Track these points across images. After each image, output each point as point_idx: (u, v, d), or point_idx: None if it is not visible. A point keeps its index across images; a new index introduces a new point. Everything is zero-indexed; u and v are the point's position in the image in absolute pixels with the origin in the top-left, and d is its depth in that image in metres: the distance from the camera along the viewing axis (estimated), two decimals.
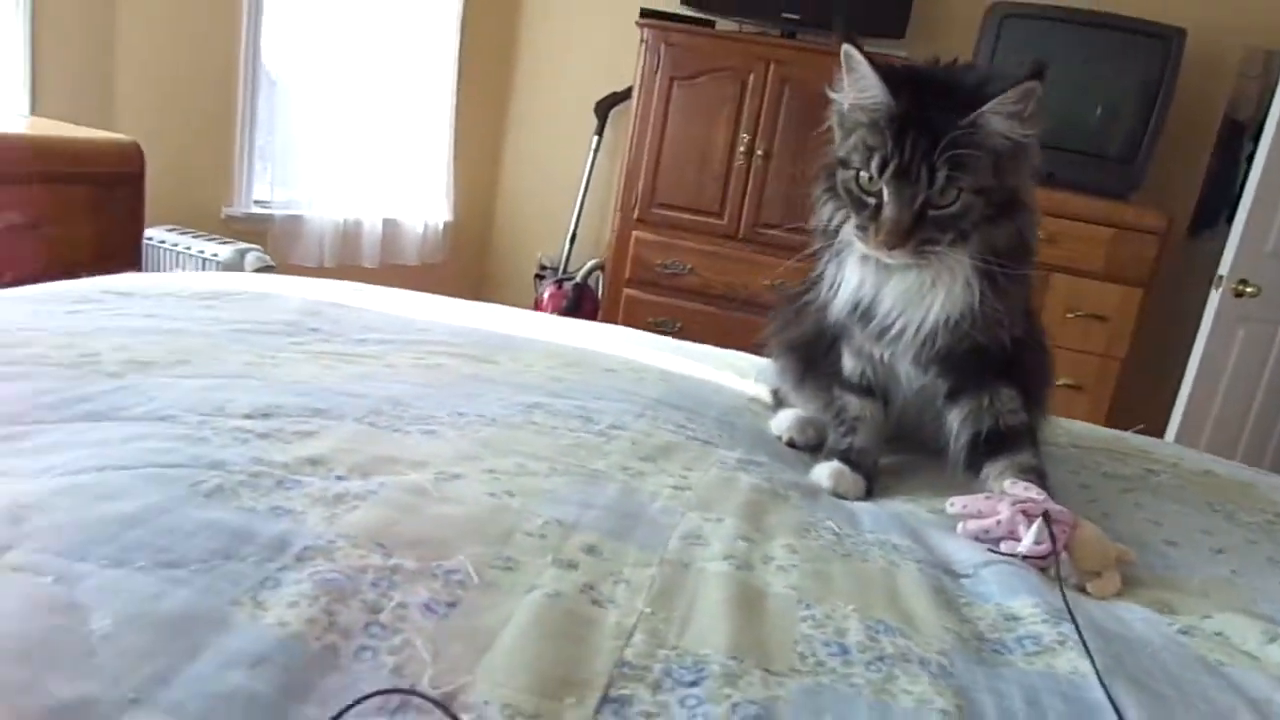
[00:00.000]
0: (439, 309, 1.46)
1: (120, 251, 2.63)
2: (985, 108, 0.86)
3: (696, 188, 3.64)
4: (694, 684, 0.55)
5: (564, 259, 4.12)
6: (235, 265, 2.94)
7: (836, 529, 0.82)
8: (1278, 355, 3.07)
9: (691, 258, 3.64)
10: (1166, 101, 3.08)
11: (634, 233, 3.68)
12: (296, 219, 3.55)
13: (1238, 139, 3.26)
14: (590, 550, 0.68)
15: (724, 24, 3.57)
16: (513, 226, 4.39)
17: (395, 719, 0.48)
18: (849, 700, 0.56)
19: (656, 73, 3.53)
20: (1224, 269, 2.86)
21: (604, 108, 4.02)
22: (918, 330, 0.96)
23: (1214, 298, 2.88)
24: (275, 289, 1.36)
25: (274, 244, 3.40)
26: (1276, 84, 2.78)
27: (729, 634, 0.61)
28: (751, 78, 3.46)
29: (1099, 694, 0.60)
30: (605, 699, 0.53)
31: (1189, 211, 3.40)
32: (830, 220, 1.01)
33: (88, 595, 0.50)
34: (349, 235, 3.68)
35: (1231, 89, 3.29)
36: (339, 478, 0.70)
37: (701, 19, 3.55)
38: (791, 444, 1.14)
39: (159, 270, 2.98)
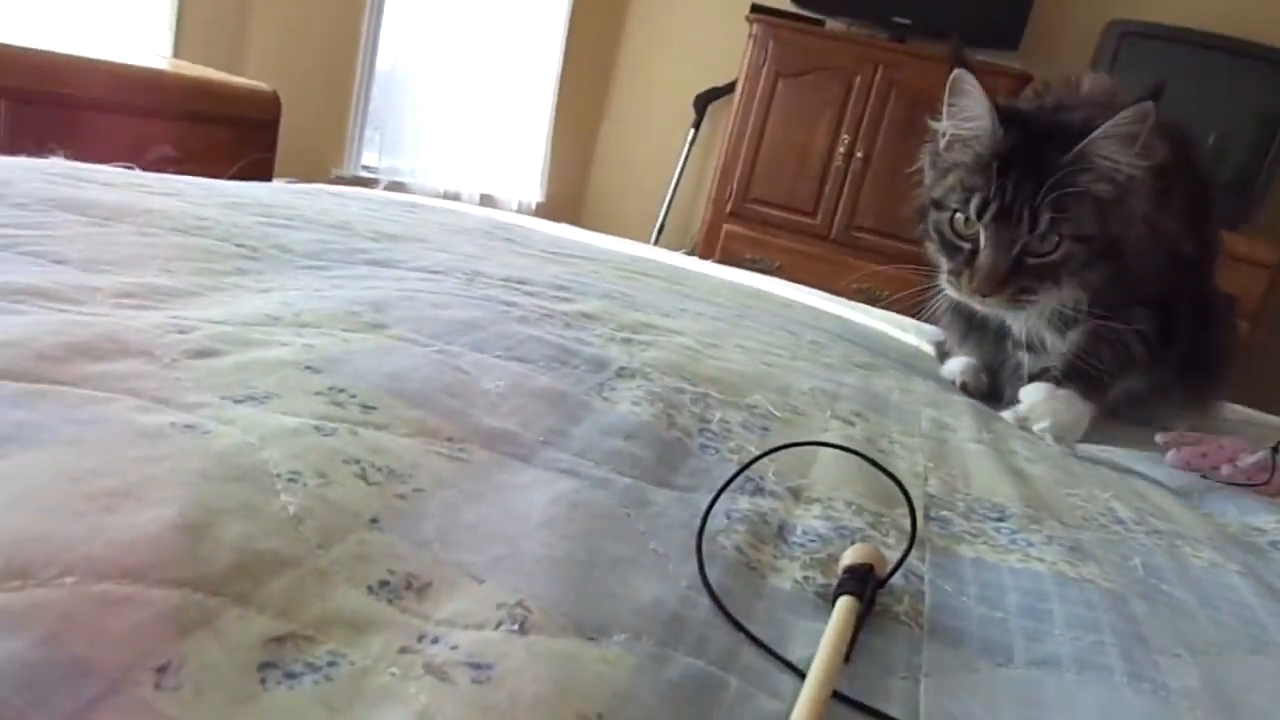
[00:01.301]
0: (604, 240, 1.50)
1: (247, 163, 2.74)
2: (1095, 133, 0.80)
3: (792, 186, 3.65)
4: (1000, 519, 0.58)
5: (652, 245, 4.17)
6: None
7: (1054, 445, 0.84)
8: None
9: (781, 255, 3.65)
10: None
11: (725, 226, 3.71)
12: (400, 186, 3.64)
13: None
14: (858, 414, 0.71)
15: (834, 24, 3.59)
16: (602, 212, 4.44)
17: (756, 501, 0.51)
18: (1148, 551, 0.58)
19: (763, 68, 3.56)
20: None
21: (703, 101, 4.06)
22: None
23: None
24: (456, 207, 1.42)
25: None
26: None
27: (1014, 492, 0.64)
28: (858, 79, 3.47)
29: None
30: (928, 516, 0.56)
31: None
32: (931, 260, 0.96)
33: (468, 365, 0.54)
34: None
35: None
36: (617, 329, 0.75)
37: (812, 17, 3.58)
38: (964, 388, 1.16)
39: None
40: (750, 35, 3.55)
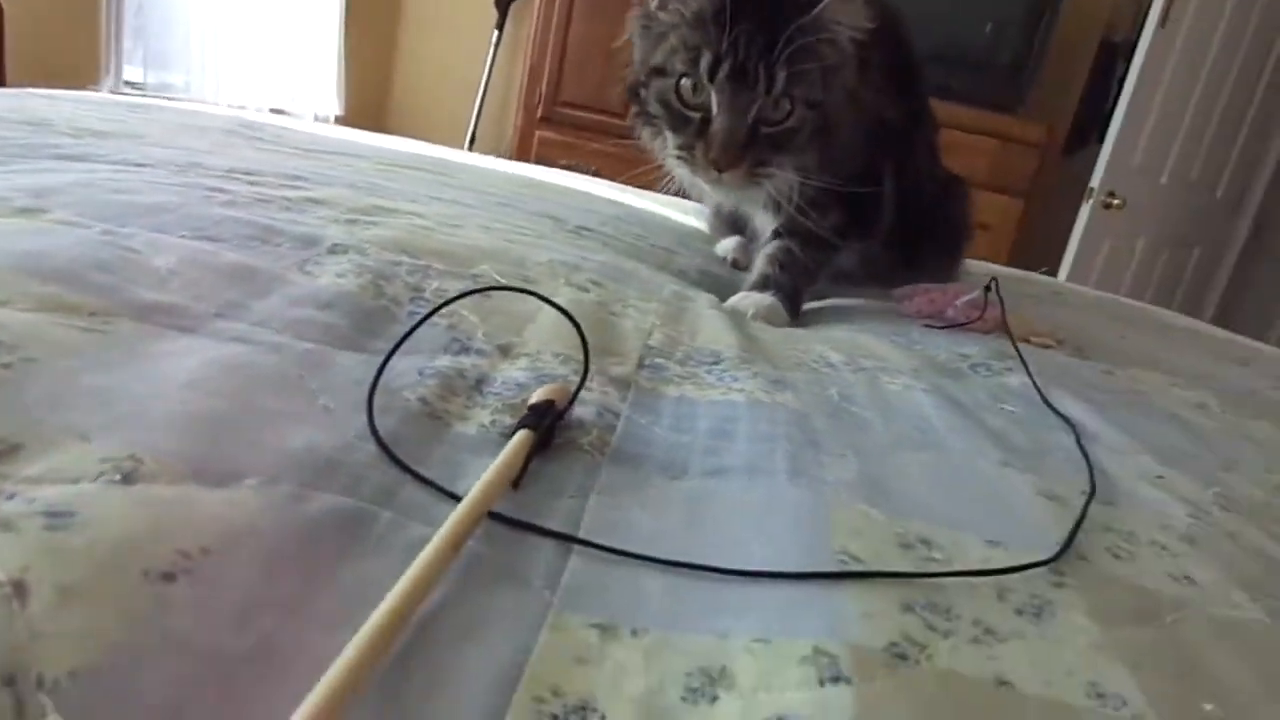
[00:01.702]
0: (373, 139, 1.43)
1: None
2: (822, 24, 0.77)
3: (602, 87, 3.59)
4: (715, 363, 0.60)
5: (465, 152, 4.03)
6: None
7: None
8: (1136, 266, 3.36)
9: (596, 160, 3.61)
10: (1052, 20, 3.25)
11: (538, 132, 3.63)
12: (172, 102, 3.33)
13: (1113, 60, 3.48)
14: (595, 284, 0.71)
15: None
16: (408, 124, 4.23)
17: (459, 359, 0.50)
18: (848, 384, 0.62)
19: None
20: (1094, 182, 3.08)
21: (504, 1, 3.91)
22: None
23: (1084, 210, 3.11)
24: (199, 109, 1.30)
25: None
26: (1149, 7, 2.98)
27: (734, 342, 0.66)
28: None
29: (1046, 395, 0.68)
30: (641, 364, 0.57)
31: (1067, 128, 3.63)
32: (651, 147, 0.89)
33: (140, 245, 0.49)
34: None
35: (1111, 11, 3.51)
36: (344, 212, 0.71)
37: None
38: (735, 264, 1.20)
39: None
40: None
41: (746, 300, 0.84)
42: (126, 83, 3.26)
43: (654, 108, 0.82)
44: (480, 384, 0.48)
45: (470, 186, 1.07)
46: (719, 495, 0.41)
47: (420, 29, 4.08)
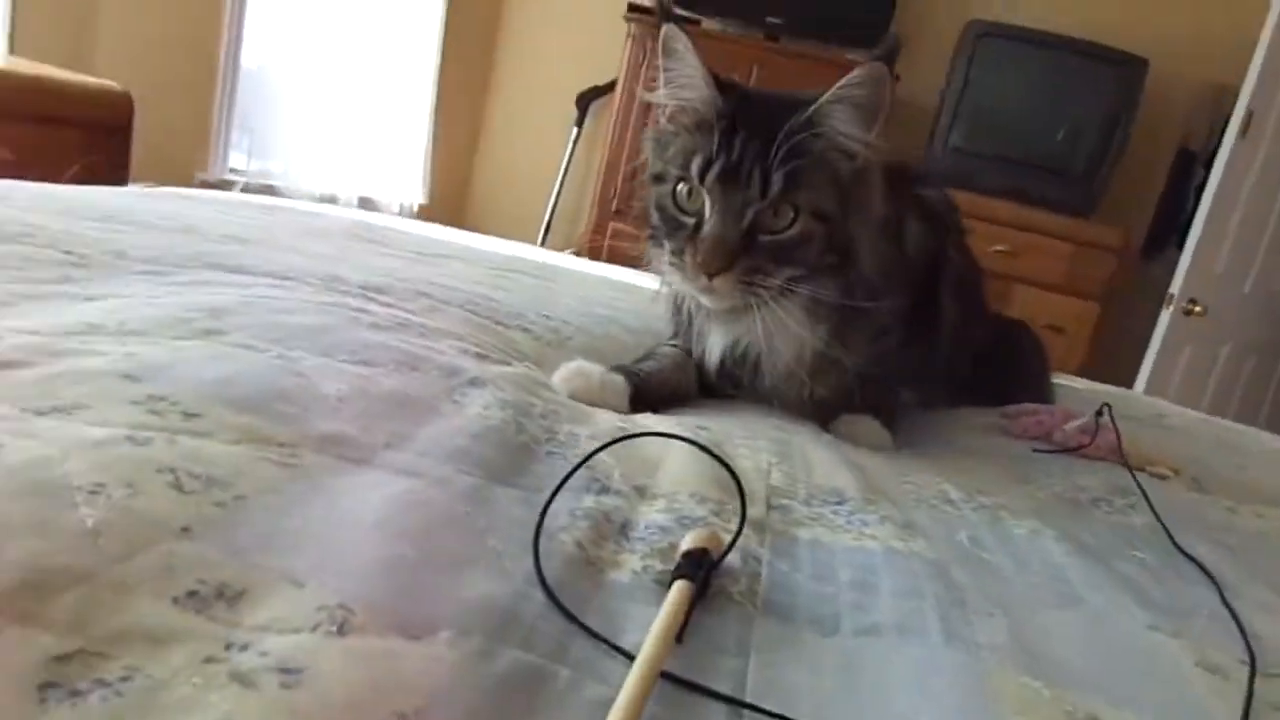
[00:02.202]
0: (473, 239, 1.49)
1: (84, 166, 2.58)
2: (827, 95, 0.73)
3: None
4: (840, 503, 0.61)
5: (539, 246, 4.15)
6: None
7: None
8: (1219, 375, 3.26)
9: None
10: (1127, 126, 3.27)
11: (611, 224, 3.72)
12: (269, 189, 3.51)
13: (1190, 167, 3.47)
14: (702, 428, 0.73)
15: (710, 24, 3.66)
16: (486, 213, 4.39)
17: (601, 499, 0.52)
18: (973, 525, 0.62)
19: (642, 66, 3.58)
20: (1175, 288, 3.03)
21: (585, 100, 4.07)
22: (774, 371, 0.83)
23: (1164, 316, 3.05)
24: (318, 210, 1.37)
25: None
26: (1228, 118, 2.98)
27: (852, 479, 0.67)
28: (734, 78, 3.54)
29: (1174, 539, 0.67)
30: (770, 506, 0.58)
31: (1143, 233, 3.60)
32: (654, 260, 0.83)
33: (310, 370, 0.53)
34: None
35: (1187, 119, 3.51)
36: (474, 343, 0.74)
37: (689, 17, 3.63)
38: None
39: None
40: (629, 34, 3.57)
41: (852, 428, 0.83)
42: (232, 170, 3.46)
43: (653, 217, 0.78)
44: (625, 528, 0.49)
45: (572, 294, 1.11)
46: (874, 657, 0.42)
47: (504, 125, 4.26)
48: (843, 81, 0.72)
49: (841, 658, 0.41)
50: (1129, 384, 3.15)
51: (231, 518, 0.37)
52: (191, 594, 0.32)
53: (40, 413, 0.40)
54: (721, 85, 0.77)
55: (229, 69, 3.27)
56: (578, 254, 3.95)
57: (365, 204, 3.80)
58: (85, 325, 0.52)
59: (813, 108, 0.73)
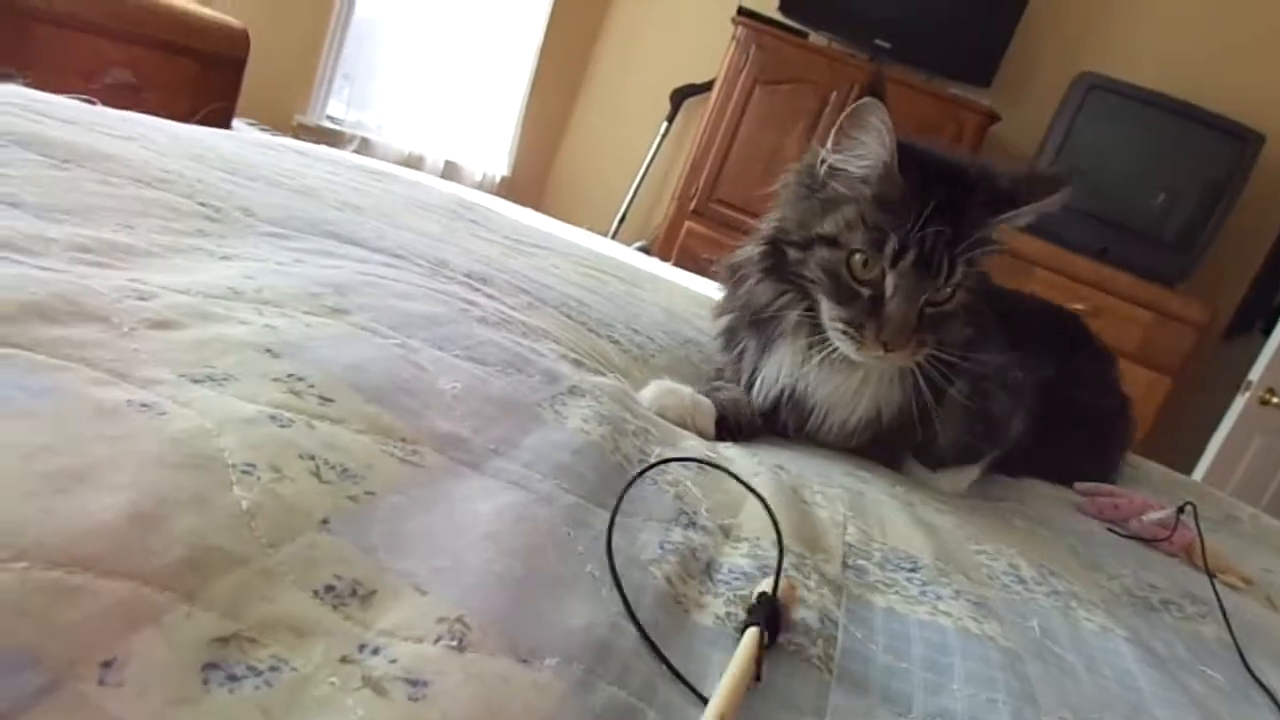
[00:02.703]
0: (561, 229, 1.51)
1: (212, 110, 2.66)
2: (1029, 206, 0.79)
3: (758, 191, 3.67)
4: (913, 570, 0.61)
5: (611, 233, 4.17)
6: None
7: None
8: None
9: None
10: (1232, 200, 3.17)
11: (687, 223, 3.73)
12: (364, 140, 3.58)
13: None
14: (780, 468, 0.74)
15: (816, 37, 3.63)
16: (566, 193, 4.43)
17: (689, 534, 0.53)
18: (1045, 613, 0.62)
19: (742, 71, 3.57)
20: (1254, 374, 2.95)
21: (680, 96, 4.07)
22: (841, 425, 0.86)
23: (1239, 401, 2.97)
24: (421, 179, 1.41)
25: None
26: None
27: (925, 544, 0.67)
28: (834, 95, 3.52)
29: (1245, 658, 0.66)
30: (845, 564, 0.59)
31: (1230, 312, 3.49)
32: (772, 304, 0.84)
33: (428, 362, 0.55)
34: (410, 165, 3.72)
35: None
36: (570, 348, 0.76)
37: (796, 28, 3.61)
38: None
39: None
40: (733, 37, 3.56)
41: (952, 483, 0.85)
42: (329, 117, 3.54)
43: (813, 273, 0.80)
44: (710, 569, 0.50)
45: (659, 305, 1.12)
46: None
47: (595, 109, 4.29)
48: (1055, 195, 0.80)
49: None
50: (1191, 463, 3.07)
51: (364, 513, 0.39)
52: (329, 588, 0.34)
53: (196, 380, 0.42)
54: (904, 159, 0.77)
55: (343, 15, 3.34)
56: (647, 248, 3.97)
57: (450, 168, 3.86)
58: (227, 289, 0.55)
59: (1019, 210, 0.78)
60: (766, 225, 0.87)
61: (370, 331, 0.56)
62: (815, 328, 0.82)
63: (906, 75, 3.46)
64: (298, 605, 0.32)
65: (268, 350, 0.48)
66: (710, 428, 0.79)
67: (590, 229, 4.28)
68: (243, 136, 1.19)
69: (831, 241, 0.79)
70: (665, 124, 4.08)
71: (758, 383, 0.86)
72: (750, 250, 0.88)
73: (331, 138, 3.46)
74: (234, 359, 0.45)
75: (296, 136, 3.29)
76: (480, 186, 4.04)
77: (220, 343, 0.47)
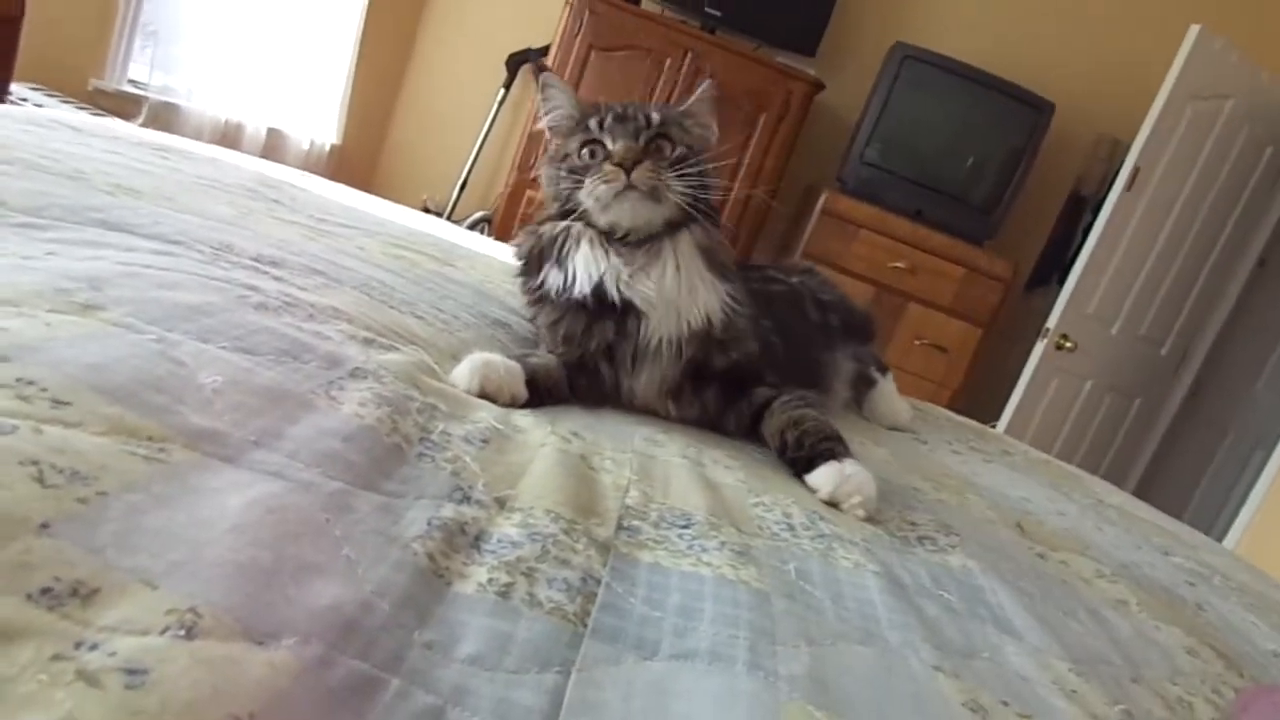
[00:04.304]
0: (375, 206, 1.48)
1: None
2: (680, 109, 1.01)
3: None
4: (686, 526, 0.66)
5: (451, 204, 4.09)
6: None
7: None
8: (1081, 406, 3.51)
9: None
10: (1028, 164, 3.45)
11: (528, 192, 3.71)
12: (172, 107, 3.35)
13: (1079, 210, 3.69)
14: (575, 434, 0.77)
15: (649, 4, 3.66)
16: (401, 162, 4.30)
17: (461, 509, 0.55)
18: (804, 556, 0.68)
19: (577, 37, 3.57)
20: (1051, 322, 3.25)
21: (515, 62, 4.02)
22: (672, 338, 0.93)
23: (1038, 347, 3.27)
24: (219, 155, 1.34)
25: (144, 127, 3.18)
26: (1118, 169, 3.19)
27: (703, 503, 0.72)
28: (668, 62, 3.57)
29: (981, 581, 0.75)
30: (619, 526, 0.62)
31: (1029, 267, 3.81)
32: (557, 233, 0.97)
33: (188, 357, 0.54)
34: (228, 136, 3.51)
35: (1082, 166, 3.72)
36: (362, 327, 0.76)
37: None
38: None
39: None
40: (567, 3, 3.55)
41: (850, 484, 0.85)
42: (131, 81, 3.28)
43: (570, 183, 0.95)
44: (479, 539, 0.53)
45: (470, 284, 1.13)
46: (683, 682, 0.47)
47: (428, 73, 4.17)
48: (693, 100, 1.02)
49: (654, 680, 0.46)
50: (1000, 405, 3.36)
51: (93, 514, 0.39)
52: (45, 591, 0.34)
53: None
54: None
55: None
56: (489, 218, 3.93)
57: (274, 137, 3.67)
58: None
59: (678, 107, 1.00)
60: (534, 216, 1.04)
61: (124, 328, 0.54)
62: (600, 232, 0.95)
63: (737, 43, 3.55)
64: (5, 609, 0.32)
65: None
66: (521, 390, 0.84)
67: (429, 199, 4.19)
68: (7, 112, 1.10)
69: (566, 156, 0.98)
70: (502, 91, 4.02)
71: (573, 279, 0.94)
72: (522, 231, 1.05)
73: (133, 105, 3.22)
74: None
75: (94, 104, 3.03)
76: (308, 156, 3.86)
77: None
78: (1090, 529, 1.08)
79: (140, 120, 3.17)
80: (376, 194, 4.21)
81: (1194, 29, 3.00)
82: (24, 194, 0.75)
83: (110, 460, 0.42)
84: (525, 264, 1.01)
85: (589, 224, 0.95)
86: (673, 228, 0.95)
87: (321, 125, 3.89)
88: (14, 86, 2.66)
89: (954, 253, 3.44)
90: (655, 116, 0.96)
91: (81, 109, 2.81)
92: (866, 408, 1.34)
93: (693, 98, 1.02)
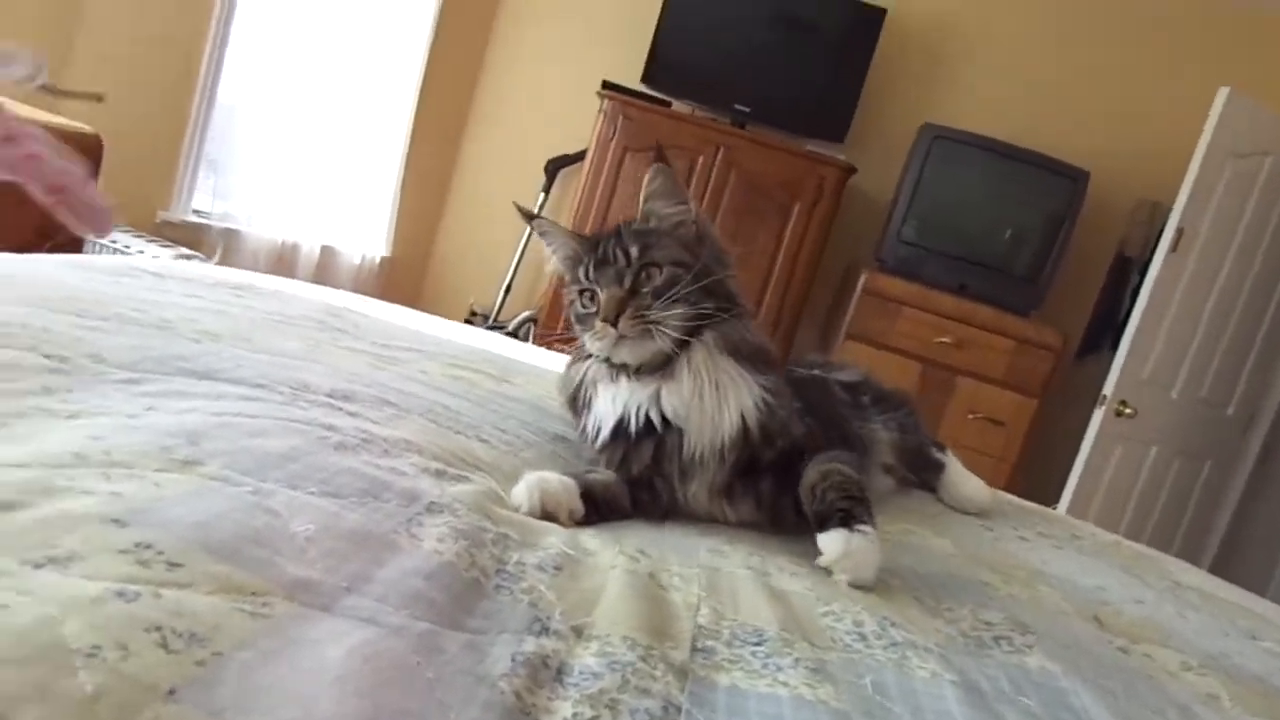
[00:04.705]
0: (434, 326, 1.54)
1: (65, 239, 2.58)
2: (641, 203, 1.02)
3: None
4: (759, 644, 0.67)
5: (497, 307, 4.21)
6: None
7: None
8: (1148, 474, 3.41)
9: None
10: (1069, 232, 3.46)
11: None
12: (234, 233, 3.52)
13: (1126, 274, 3.66)
14: (642, 553, 0.79)
15: (680, 105, 3.80)
16: (448, 269, 4.45)
17: (540, 640, 0.57)
18: (879, 668, 0.68)
19: (612, 141, 3.71)
20: (1107, 389, 3.19)
21: (554, 167, 4.18)
22: (712, 447, 0.94)
23: (1097, 415, 3.20)
24: (286, 288, 1.42)
25: (208, 254, 3.35)
26: (1160, 231, 3.17)
27: (774, 616, 0.73)
28: (701, 159, 3.68)
29: (1063, 683, 0.74)
30: (694, 648, 0.63)
31: (1079, 335, 3.77)
32: (585, 373, 1.02)
33: (281, 506, 0.58)
34: (285, 256, 3.68)
35: (1124, 230, 3.71)
36: (433, 457, 0.79)
37: (660, 98, 3.78)
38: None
39: None
40: (600, 110, 3.70)
41: (849, 560, 0.86)
42: (195, 211, 3.47)
43: (576, 327, 1.00)
44: (561, 673, 0.54)
45: (529, 400, 1.17)
46: None
47: (472, 183, 4.35)
48: (645, 187, 1.01)
49: None
50: (1063, 475, 3.28)
51: (211, 676, 0.41)
52: None
53: (38, 565, 0.44)
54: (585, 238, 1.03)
55: (203, 105, 3.28)
56: (534, 318, 4.02)
57: (327, 254, 3.83)
58: (72, 456, 0.56)
59: (640, 211, 1.01)
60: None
61: (222, 481, 0.58)
62: (619, 365, 0.98)
63: (767, 136, 3.66)
64: None
65: (114, 520, 0.50)
66: (579, 505, 0.87)
67: (476, 303, 4.29)
68: (94, 263, 1.18)
69: (570, 301, 1.01)
70: (542, 195, 4.17)
71: (599, 425, 0.97)
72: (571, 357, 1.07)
73: (198, 232, 3.39)
74: (79, 535, 0.47)
75: (161, 235, 3.21)
76: (360, 269, 4.02)
77: (64, 519, 0.48)
78: (1171, 616, 1.05)
79: (216, 258, 3.33)
80: (426, 300, 4.38)
81: (1223, 91, 3.02)
82: (121, 349, 0.81)
83: (222, 619, 0.45)
84: (571, 405, 1.05)
85: (603, 360, 0.98)
86: (682, 346, 0.95)
87: (372, 239, 4.05)
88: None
89: (1001, 325, 3.42)
90: (634, 250, 0.96)
91: (152, 241, 2.97)
92: (943, 492, 1.33)
93: (643, 191, 1.01)
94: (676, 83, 3.80)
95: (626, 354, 0.95)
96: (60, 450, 0.57)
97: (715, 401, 0.94)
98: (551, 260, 1.06)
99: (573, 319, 1.01)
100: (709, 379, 0.94)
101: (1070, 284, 3.71)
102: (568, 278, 1.03)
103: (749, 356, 0.97)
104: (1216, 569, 3.67)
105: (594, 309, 0.96)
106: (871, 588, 0.84)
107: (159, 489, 0.55)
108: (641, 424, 0.94)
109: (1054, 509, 3.18)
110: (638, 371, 0.96)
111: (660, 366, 0.95)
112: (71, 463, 0.56)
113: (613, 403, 0.96)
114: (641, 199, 1.01)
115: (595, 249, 0.99)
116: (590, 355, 1.00)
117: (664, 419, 0.94)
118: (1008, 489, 3.34)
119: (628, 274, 0.95)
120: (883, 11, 3.66)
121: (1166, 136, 3.52)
